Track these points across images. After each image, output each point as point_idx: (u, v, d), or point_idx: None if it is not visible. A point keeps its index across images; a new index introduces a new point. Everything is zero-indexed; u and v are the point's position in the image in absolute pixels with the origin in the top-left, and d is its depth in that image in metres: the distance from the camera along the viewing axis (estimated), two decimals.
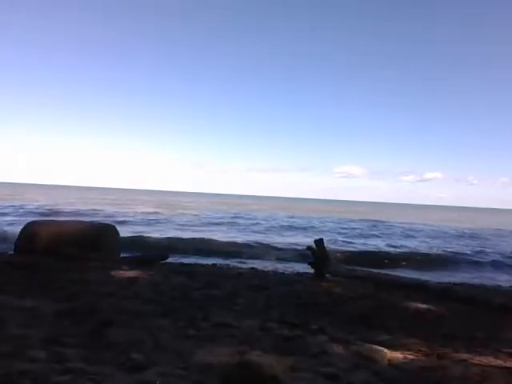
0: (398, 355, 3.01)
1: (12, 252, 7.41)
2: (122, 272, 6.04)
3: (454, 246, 15.49)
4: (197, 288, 5.31)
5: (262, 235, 16.68)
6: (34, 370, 2.14)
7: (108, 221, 13.51)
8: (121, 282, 5.35)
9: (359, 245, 14.85)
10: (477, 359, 3.10)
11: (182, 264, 8.05)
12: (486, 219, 49.10)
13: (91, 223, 9.02)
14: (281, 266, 9.30)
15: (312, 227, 21.65)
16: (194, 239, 12.43)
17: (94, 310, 3.61)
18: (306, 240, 12.62)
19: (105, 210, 24.96)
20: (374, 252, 12.67)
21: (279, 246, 12.61)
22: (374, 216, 37.07)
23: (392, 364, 2.80)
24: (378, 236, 19.02)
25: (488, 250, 14.54)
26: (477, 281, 8.87)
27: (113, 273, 5.91)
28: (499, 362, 3.06)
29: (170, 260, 8.16)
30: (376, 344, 3.15)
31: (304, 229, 20.36)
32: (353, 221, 28.85)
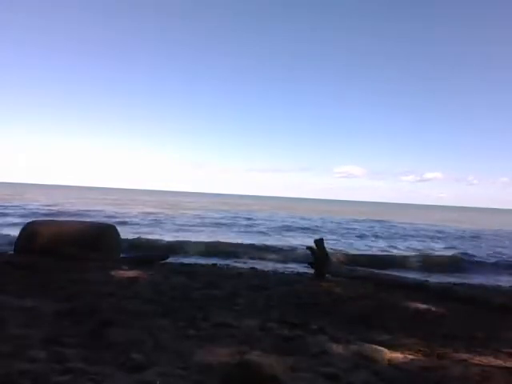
0: (397, 355, 3.01)
1: (12, 252, 7.42)
2: (122, 272, 6.04)
3: (470, 248, 15.37)
4: (197, 288, 5.30)
5: (265, 236, 16.57)
6: (34, 370, 2.14)
7: (110, 221, 13.50)
8: (121, 282, 5.35)
9: (374, 247, 14.62)
10: (477, 359, 3.10)
11: (182, 264, 8.05)
12: (489, 219, 49.01)
13: (91, 223, 9.02)
14: (281, 266, 9.31)
15: (319, 228, 21.35)
16: (196, 243, 11.97)
17: (93, 310, 3.61)
18: (310, 241, 12.53)
19: (105, 210, 24.99)
20: (394, 256, 12.15)
21: (284, 246, 12.40)
22: (378, 216, 37.03)
23: (392, 364, 2.80)
24: (389, 237, 18.81)
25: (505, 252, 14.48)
26: (477, 281, 8.87)
27: (113, 273, 5.91)
28: (499, 362, 3.06)
29: (170, 260, 8.16)
30: (376, 344, 3.15)
31: (313, 231, 19.95)
32: (357, 221, 28.68)
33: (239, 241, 13.39)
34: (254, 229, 19.50)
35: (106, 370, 2.24)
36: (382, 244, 16.05)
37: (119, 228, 8.40)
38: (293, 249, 11.89)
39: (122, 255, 7.98)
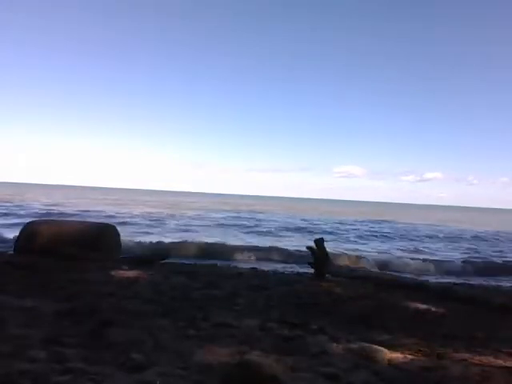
0: (397, 355, 3.01)
1: (12, 252, 7.42)
2: (122, 272, 6.04)
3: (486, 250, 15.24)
4: (197, 288, 5.30)
5: (269, 237, 16.37)
6: (34, 370, 2.14)
7: (110, 221, 13.43)
8: (121, 282, 5.35)
9: (390, 251, 14.19)
10: (477, 359, 3.10)
11: (182, 264, 8.05)
12: (492, 219, 48.81)
13: (91, 223, 9.02)
14: (280, 266, 9.31)
15: (334, 231, 20.54)
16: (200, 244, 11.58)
17: (94, 310, 3.61)
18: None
19: (105, 211, 24.97)
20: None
21: (291, 248, 11.99)
22: (381, 217, 36.71)
23: (392, 364, 2.80)
24: (400, 239, 18.52)
25: None
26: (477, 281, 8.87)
27: (113, 273, 5.91)
28: (499, 362, 3.06)
29: (170, 260, 8.16)
30: (376, 344, 3.15)
31: (330, 233, 19.37)
32: (362, 221, 28.24)
33: (242, 242, 13.32)
34: (258, 229, 19.31)
35: (106, 369, 2.24)
36: (397, 246, 15.63)
37: (119, 228, 8.40)
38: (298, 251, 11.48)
39: (121, 255, 7.98)
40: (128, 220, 19.66)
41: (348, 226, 23.74)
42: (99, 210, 24.76)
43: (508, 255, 14.27)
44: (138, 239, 11.66)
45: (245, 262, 9.67)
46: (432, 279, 8.49)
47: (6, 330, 2.92)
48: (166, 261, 7.99)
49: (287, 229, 20.39)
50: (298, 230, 20.32)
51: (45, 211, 21.90)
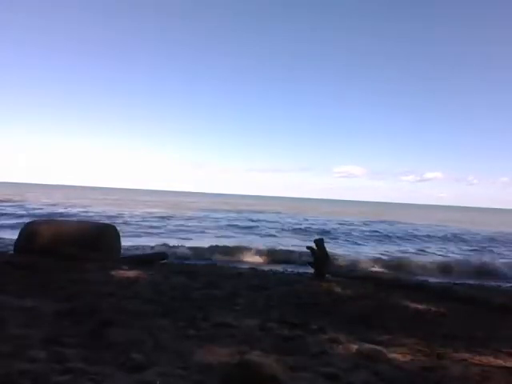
0: (397, 355, 3.01)
1: (12, 252, 7.42)
2: (122, 272, 6.04)
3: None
4: (197, 288, 5.30)
5: (275, 238, 16.15)
6: (34, 370, 2.14)
7: (110, 221, 13.39)
8: (121, 282, 5.35)
9: (407, 252, 13.96)
10: (477, 359, 3.09)
11: (182, 264, 8.05)
12: (494, 220, 48.65)
13: (91, 223, 9.03)
14: (280, 266, 9.30)
15: (339, 232, 19.98)
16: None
17: (94, 310, 3.61)
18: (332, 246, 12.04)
19: (106, 211, 24.97)
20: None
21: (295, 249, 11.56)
22: (385, 217, 36.43)
23: (392, 364, 2.80)
24: (410, 240, 18.28)
25: None
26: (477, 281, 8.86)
27: (113, 273, 5.91)
28: (499, 362, 3.06)
29: (169, 260, 8.16)
30: (376, 344, 3.15)
31: (336, 234, 18.97)
32: (364, 222, 27.80)
33: (246, 243, 13.20)
34: (262, 230, 19.08)
35: (106, 369, 2.24)
36: (409, 247, 15.42)
37: (119, 228, 8.40)
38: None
39: (121, 255, 7.98)
40: (128, 220, 19.64)
41: (352, 227, 23.34)
42: (99, 210, 24.77)
43: None
44: (138, 240, 11.64)
45: (244, 262, 9.65)
46: (432, 279, 8.49)
47: (5, 330, 2.92)
48: (166, 261, 7.99)
49: (292, 230, 20.25)
50: (302, 230, 20.12)
51: (45, 211, 21.91)
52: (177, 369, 2.35)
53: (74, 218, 16.55)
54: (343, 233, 19.79)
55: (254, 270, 7.90)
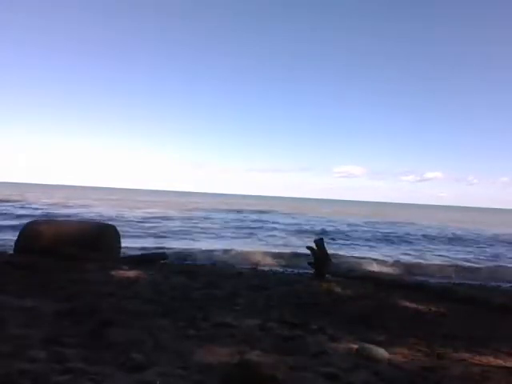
0: (397, 355, 3.01)
1: (12, 252, 7.41)
2: (122, 272, 6.04)
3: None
4: (197, 288, 5.31)
5: (283, 240, 15.82)
6: (34, 370, 2.14)
7: (112, 222, 13.28)
8: (121, 282, 5.35)
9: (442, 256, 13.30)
10: (477, 359, 3.10)
11: (182, 264, 8.05)
12: (496, 220, 48.43)
13: (91, 223, 9.02)
14: (280, 267, 9.29)
15: (346, 233, 19.26)
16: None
17: (94, 310, 3.61)
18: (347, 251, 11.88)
19: (106, 210, 24.95)
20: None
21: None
22: (388, 217, 36.11)
23: (392, 364, 2.80)
24: (424, 242, 17.61)
25: None
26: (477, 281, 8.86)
27: (113, 273, 5.91)
28: (499, 362, 3.06)
29: (169, 260, 8.16)
30: (376, 344, 3.15)
31: (345, 235, 18.21)
32: (367, 223, 27.15)
33: (246, 244, 13.06)
34: (264, 231, 18.64)
35: (106, 369, 2.24)
36: (414, 249, 14.96)
37: (119, 228, 8.40)
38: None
39: (121, 255, 7.98)
40: (128, 220, 19.61)
41: (353, 227, 22.99)
42: (99, 210, 24.76)
43: None
44: (138, 240, 11.62)
45: (244, 262, 9.62)
46: (432, 279, 8.48)
47: (6, 329, 2.92)
48: (166, 261, 7.99)
49: (292, 230, 20.11)
50: (303, 230, 20.02)
51: (45, 211, 21.89)
52: (177, 369, 2.35)
53: (74, 218, 16.53)
54: (343, 233, 19.71)
55: (254, 270, 7.90)
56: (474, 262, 12.35)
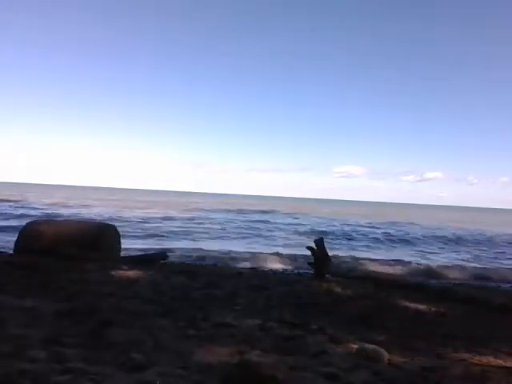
0: (397, 355, 3.01)
1: (12, 252, 7.41)
2: (121, 272, 6.04)
3: None
4: (197, 288, 5.30)
5: (278, 239, 15.83)
6: (34, 370, 2.14)
7: (112, 222, 13.22)
8: (121, 282, 5.35)
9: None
10: (477, 359, 3.10)
11: (182, 264, 8.05)
12: (498, 220, 48.18)
13: (91, 223, 9.03)
14: (280, 266, 9.29)
15: (357, 234, 18.96)
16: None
17: (94, 310, 3.61)
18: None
19: (106, 210, 24.94)
20: None
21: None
22: (393, 218, 35.89)
23: (392, 364, 2.80)
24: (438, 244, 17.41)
25: None
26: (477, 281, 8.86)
27: (113, 273, 5.91)
28: (499, 362, 3.06)
29: (169, 260, 8.16)
30: (376, 344, 3.14)
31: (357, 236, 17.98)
32: (370, 223, 26.75)
33: (247, 244, 12.94)
34: (264, 232, 18.58)
35: (106, 369, 2.24)
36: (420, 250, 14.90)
37: (119, 228, 8.39)
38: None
39: (121, 255, 7.98)
40: (128, 220, 19.61)
41: (353, 228, 22.73)
42: (99, 210, 24.76)
43: None
44: (138, 240, 11.61)
45: (244, 262, 9.62)
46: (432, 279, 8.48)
47: (6, 329, 2.92)
48: (166, 261, 7.99)
49: (293, 230, 20.03)
50: (303, 231, 19.99)
51: (45, 211, 21.89)
52: (177, 369, 2.35)
53: (74, 218, 16.52)
54: (344, 233, 19.69)
55: (254, 270, 7.90)
56: (474, 262, 12.37)
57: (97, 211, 23.97)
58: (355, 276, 6.96)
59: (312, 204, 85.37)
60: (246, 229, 19.74)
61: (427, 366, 2.78)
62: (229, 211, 34.04)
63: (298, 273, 8.08)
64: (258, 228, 20.53)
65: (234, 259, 10.02)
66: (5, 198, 31.61)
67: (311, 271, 7.62)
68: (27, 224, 7.63)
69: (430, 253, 14.59)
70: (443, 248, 16.52)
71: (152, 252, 9.24)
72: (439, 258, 13.16)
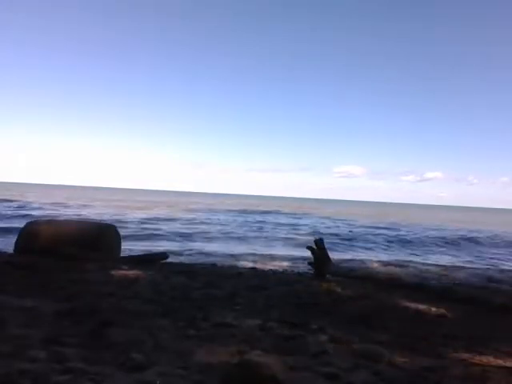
0: (397, 355, 3.01)
1: (12, 252, 7.41)
2: (122, 272, 6.04)
3: None
4: (197, 288, 5.30)
5: (278, 240, 15.63)
6: (34, 370, 2.14)
7: (112, 222, 13.23)
8: (121, 282, 5.35)
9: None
10: (477, 359, 3.10)
11: (182, 264, 8.05)
12: (497, 220, 48.01)
13: (91, 223, 9.03)
14: (280, 266, 9.29)
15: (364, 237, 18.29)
16: None
17: (94, 310, 3.61)
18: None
19: (106, 210, 24.93)
20: None
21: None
22: (388, 217, 35.72)
23: (392, 364, 2.80)
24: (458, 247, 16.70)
25: None
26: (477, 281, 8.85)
27: (113, 273, 5.91)
28: (499, 362, 3.06)
29: (170, 260, 8.16)
30: (376, 344, 3.15)
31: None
32: (371, 223, 26.51)
33: (247, 245, 12.85)
34: (264, 232, 18.39)
35: (106, 369, 2.24)
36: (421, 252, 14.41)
37: (119, 228, 8.40)
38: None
39: (121, 255, 7.98)
40: (128, 220, 19.61)
41: (360, 228, 22.35)
42: (99, 210, 24.76)
43: None
44: (138, 240, 11.60)
45: (244, 262, 9.63)
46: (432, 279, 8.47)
47: (6, 329, 2.92)
48: (166, 261, 7.99)
49: (293, 230, 19.98)
50: (304, 231, 19.95)
51: (45, 211, 21.89)
52: (177, 369, 2.35)
53: (74, 218, 16.51)
54: (344, 233, 19.66)
55: (254, 270, 7.89)
56: (474, 262, 12.36)
57: (97, 211, 23.96)
58: (355, 276, 6.96)
59: (312, 204, 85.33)
60: (246, 229, 19.73)
61: (427, 366, 2.78)
62: (229, 211, 34.03)
63: (298, 273, 8.08)
64: (258, 228, 20.52)
65: (233, 259, 10.05)
66: (5, 198, 31.61)
67: (311, 271, 7.62)
68: (27, 224, 7.63)
69: (430, 253, 14.55)
70: (443, 248, 16.45)
71: (152, 252, 9.25)
72: (439, 258, 13.14)
